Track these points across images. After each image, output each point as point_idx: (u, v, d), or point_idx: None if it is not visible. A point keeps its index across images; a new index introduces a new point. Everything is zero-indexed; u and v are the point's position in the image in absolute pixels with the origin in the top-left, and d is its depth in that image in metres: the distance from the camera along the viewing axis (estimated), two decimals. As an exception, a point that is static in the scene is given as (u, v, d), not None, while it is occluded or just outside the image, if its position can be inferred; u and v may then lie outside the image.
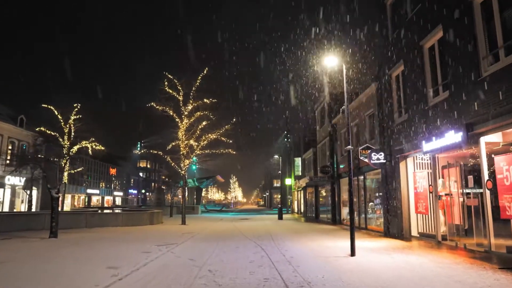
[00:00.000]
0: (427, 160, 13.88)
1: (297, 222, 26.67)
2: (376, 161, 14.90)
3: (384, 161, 14.91)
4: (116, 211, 26.09)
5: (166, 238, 14.89)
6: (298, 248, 11.54)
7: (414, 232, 13.74)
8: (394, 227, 14.48)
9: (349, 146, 10.15)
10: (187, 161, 24.51)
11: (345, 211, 22.88)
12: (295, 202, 46.03)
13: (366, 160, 15.85)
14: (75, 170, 34.65)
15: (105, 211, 26.82)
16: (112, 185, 73.68)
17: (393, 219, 14.68)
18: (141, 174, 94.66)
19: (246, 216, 37.34)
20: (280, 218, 29.64)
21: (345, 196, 23.00)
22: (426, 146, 11.74)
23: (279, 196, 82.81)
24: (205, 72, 24.45)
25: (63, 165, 31.86)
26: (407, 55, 13.51)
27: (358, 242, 12.68)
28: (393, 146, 14.82)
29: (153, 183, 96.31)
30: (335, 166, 23.92)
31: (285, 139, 51.21)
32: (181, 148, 24.35)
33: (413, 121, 13.07)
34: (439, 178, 12.21)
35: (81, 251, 10.96)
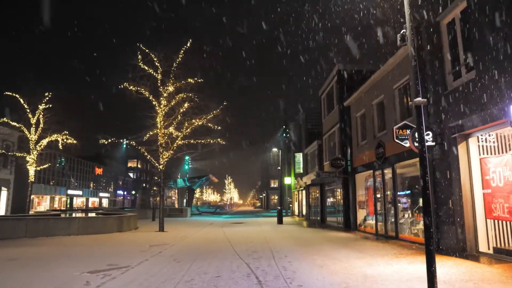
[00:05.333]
0: (493, 142, 9.54)
1: (301, 228, 22.15)
2: (421, 144, 10.39)
3: (433, 143, 10.44)
4: (62, 215, 21.12)
5: (120, 254, 10.37)
6: (318, 280, 7.01)
7: (483, 247, 9.29)
8: (450, 239, 9.99)
9: (419, 98, 5.67)
10: (166, 154, 19.92)
11: (362, 214, 18.39)
12: (296, 204, 41.48)
13: (403, 143, 11.40)
14: (41, 167, 29.83)
15: (66, 214, 22.05)
16: (99, 185, 68.77)
17: (447, 226, 10.20)
18: (131, 174, 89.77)
19: (240, 219, 32.74)
20: (280, 222, 25.11)
21: (361, 195, 18.52)
22: (520, 112, 7.30)
23: (277, 197, 78.30)
24: (188, 45, 19.91)
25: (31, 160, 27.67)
26: (473, -16, 9.06)
27: (401, 263, 8.21)
28: (445, 122, 10.37)
29: (144, 184, 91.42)
30: (348, 159, 19.44)
31: (284, 134, 46.69)
32: (159, 138, 19.78)
33: (486, 79, 8.62)
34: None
35: None
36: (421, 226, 12.71)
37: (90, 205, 63.72)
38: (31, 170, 26.91)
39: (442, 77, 10.57)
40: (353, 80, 20.21)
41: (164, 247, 12.02)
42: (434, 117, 10.88)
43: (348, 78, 20.67)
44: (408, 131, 11.31)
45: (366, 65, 21.49)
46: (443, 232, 10.28)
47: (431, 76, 11.05)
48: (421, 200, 12.48)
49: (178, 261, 9.17)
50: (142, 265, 8.68)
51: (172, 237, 15.52)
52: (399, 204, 14.21)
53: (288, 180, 42.50)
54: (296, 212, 40.14)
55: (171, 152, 20.04)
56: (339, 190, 21.70)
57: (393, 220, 14.58)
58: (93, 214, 26.36)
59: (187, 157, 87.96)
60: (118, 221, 17.69)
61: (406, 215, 13.90)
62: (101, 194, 69.07)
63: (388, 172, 14.90)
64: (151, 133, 20.22)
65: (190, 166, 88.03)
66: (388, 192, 15.06)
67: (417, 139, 10.23)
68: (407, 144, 11.39)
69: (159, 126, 19.75)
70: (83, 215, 27.69)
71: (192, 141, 20.34)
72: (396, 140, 11.35)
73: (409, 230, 13.40)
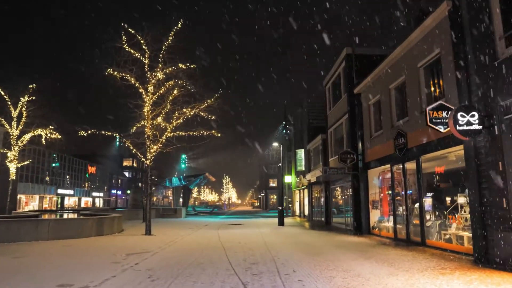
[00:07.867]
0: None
1: (305, 231, 19.95)
2: (465, 128, 8.20)
3: (480, 126, 8.25)
4: (50, 216, 18.61)
5: (84, 267, 8.16)
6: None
7: (553, 260, 7.10)
8: (508, 250, 7.77)
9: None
10: (154, 147, 17.72)
11: (375, 215, 16.22)
12: (297, 204, 39.30)
13: (438, 127, 9.23)
14: (22, 163, 27.51)
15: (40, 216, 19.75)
16: (92, 185, 66.40)
17: (501, 233, 7.97)
18: (126, 173, 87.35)
19: (238, 220, 30.53)
20: (281, 223, 22.93)
21: (375, 193, 16.36)
22: None
23: (275, 197, 76.03)
24: (179, 26, 17.71)
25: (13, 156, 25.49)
26: None
27: (454, 285, 6.04)
28: (494, 101, 8.18)
29: (140, 183, 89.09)
30: (359, 153, 17.26)
31: (284, 131, 44.49)
32: (146, 130, 17.58)
33: None
34: None
35: None
36: (454, 230, 10.54)
37: (83, 205, 61.41)
38: (12, 168, 24.83)
39: (490, 43, 8.37)
40: (363, 65, 18.00)
41: (143, 257, 9.82)
42: (479, 94, 8.69)
43: (358, 63, 18.47)
44: (444, 113, 9.14)
45: (379, 47, 19.32)
46: (496, 240, 8.06)
47: (474, 42, 8.84)
48: (458, 199, 10.33)
49: (154, 279, 6.97)
50: (103, 286, 6.48)
51: (158, 242, 13.31)
52: (425, 204, 12.03)
53: (288, 179, 40.28)
54: (297, 212, 37.98)
55: (159, 145, 17.85)
56: (347, 188, 19.53)
57: (415, 222, 12.42)
58: (76, 215, 24.15)
59: (183, 156, 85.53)
60: (97, 223, 15.46)
61: (433, 217, 11.72)
62: (94, 194, 66.73)
63: (410, 167, 12.70)
64: (138, 124, 18.05)
65: (187, 165, 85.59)
66: (411, 190, 12.88)
67: (460, 122, 8.06)
68: (442, 129, 9.24)
69: (146, 116, 17.57)
70: (75, 215, 25.35)
71: (183, 133, 18.14)
72: (430, 124, 9.17)
73: (438, 235, 11.21)
